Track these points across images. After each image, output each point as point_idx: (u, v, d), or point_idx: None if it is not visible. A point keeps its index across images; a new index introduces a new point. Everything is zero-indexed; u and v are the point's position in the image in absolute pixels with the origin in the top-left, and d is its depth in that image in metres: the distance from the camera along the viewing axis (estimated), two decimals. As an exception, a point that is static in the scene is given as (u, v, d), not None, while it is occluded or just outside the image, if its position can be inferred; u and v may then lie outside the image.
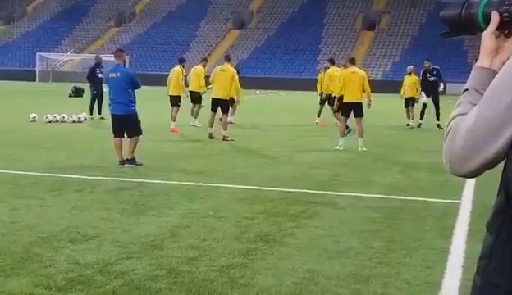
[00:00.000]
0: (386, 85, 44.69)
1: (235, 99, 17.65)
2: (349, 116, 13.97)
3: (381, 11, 68.85)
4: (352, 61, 14.75)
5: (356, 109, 13.91)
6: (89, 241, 5.94)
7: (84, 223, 6.61)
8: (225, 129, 14.84)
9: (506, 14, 1.52)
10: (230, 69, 15.43)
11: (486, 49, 1.54)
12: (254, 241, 6.09)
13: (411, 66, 20.85)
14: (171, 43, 65.46)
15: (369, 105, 14.30)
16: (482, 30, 1.57)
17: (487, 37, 1.55)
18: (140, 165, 10.55)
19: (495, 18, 1.53)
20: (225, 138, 14.60)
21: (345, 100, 14.06)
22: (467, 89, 1.55)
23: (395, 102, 22.09)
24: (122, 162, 10.55)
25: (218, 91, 15.09)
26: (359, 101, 14.00)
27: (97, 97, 20.08)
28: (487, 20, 1.56)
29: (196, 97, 18.17)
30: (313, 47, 62.52)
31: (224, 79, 15.15)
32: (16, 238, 5.97)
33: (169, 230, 6.41)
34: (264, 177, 9.92)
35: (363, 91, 14.01)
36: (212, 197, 8.24)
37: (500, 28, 1.53)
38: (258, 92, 41.61)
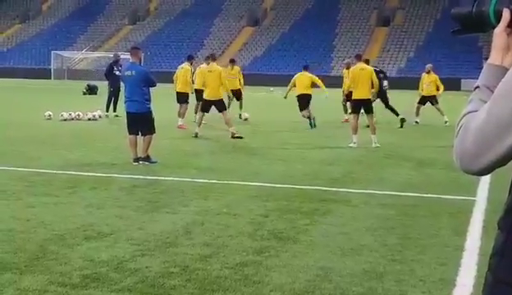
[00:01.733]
0: (401, 82, 44.51)
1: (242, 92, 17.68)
2: (359, 113, 13.97)
3: (396, 7, 68.52)
4: (359, 58, 14.74)
5: (366, 105, 13.94)
6: (103, 238, 5.98)
7: (98, 220, 6.66)
8: (230, 125, 14.73)
9: None
10: (216, 68, 15.28)
11: (498, 46, 1.54)
12: (268, 238, 6.10)
13: (430, 65, 20.71)
14: (185, 41, 65.58)
15: (374, 98, 14.29)
16: (494, 28, 1.56)
17: (499, 34, 1.54)
18: (155, 162, 10.60)
19: (506, 15, 1.53)
20: (233, 135, 14.50)
21: (355, 97, 14.10)
22: (478, 86, 1.54)
23: (410, 99, 21.97)
24: (136, 160, 10.60)
25: (210, 93, 14.98)
26: (369, 97, 14.04)
27: (113, 94, 20.18)
28: (499, 17, 1.55)
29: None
30: (326, 44, 62.37)
31: (213, 79, 15.01)
32: (32, 235, 6.02)
33: (183, 227, 6.43)
34: (277, 174, 9.92)
35: (372, 87, 14.04)
36: (226, 194, 8.26)
37: None
38: (272, 89, 41.53)
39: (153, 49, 62.34)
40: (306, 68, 18.92)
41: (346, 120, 19.21)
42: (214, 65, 15.32)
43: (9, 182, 8.71)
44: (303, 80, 18.17)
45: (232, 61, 21.03)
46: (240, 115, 19.82)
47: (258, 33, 68.13)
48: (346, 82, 19.59)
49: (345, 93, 14.55)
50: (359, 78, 13.94)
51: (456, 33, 1.71)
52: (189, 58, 18.98)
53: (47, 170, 9.78)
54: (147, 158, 10.64)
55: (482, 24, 1.60)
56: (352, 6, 69.37)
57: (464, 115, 1.50)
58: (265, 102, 20.53)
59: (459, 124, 1.50)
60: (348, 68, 19.88)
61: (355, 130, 13.72)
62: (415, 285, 4.86)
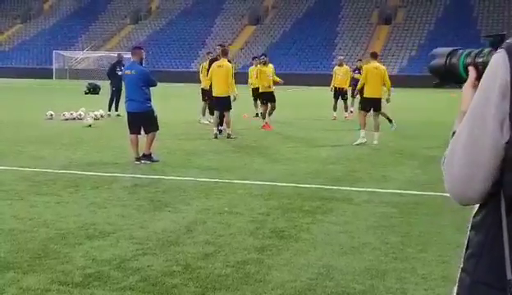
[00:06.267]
0: (403, 80, 44.49)
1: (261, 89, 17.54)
2: (369, 111, 13.95)
3: (397, 6, 68.42)
4: (374, 56, 14.65)
5: (376, 104, 13.94)
6: (105, 237, 5.99)
7: (101, 219, 6.67)
8: (228, 126, 14.45)
9: (481, 66, 1.57)
10: (226, 64, 14.60)
11: (466, 101, 1.58)
12: (270, 237, 6.10)
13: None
14: (187, 40, 65.57)
15: (388, 100, 14.22)
16: (465, 81, 1.63)
17: (467, 89, 1.61)
18: (156, 161, 10.60)
19: (471, 73, 1.60)
20: (229, 136, 14.30)
21: (366, 95, 14.05)
22: (454, 132, 1.57)
23: (413, 97, 21.96)
24: (138, 159, 10.61)
25: (217, 88, 14.50)
26: (379, 97, 14.04)
27: (115, 94, 20.22)
28: (467, 71, 1.62)
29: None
30: (328, 43, 62.31)
31: (222, 75, 14.43)
32: (34, 234, 6.04)
33: (185, 226, 6.44)
34: (279, 173, 9.92)
35: (384, 86, 14.04)
36: (228, 193, 8.27)
37: (479, 79, 1.56)
38: (273, 87, 41.44)
39: (154, 48, 62.34)
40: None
41: (335, 118, 19.31)
42: (225, 61, 14.70)
43: (11, 182, 8.72)
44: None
45: (263, 56, 20.67)
46: (259, 113, 19.95)
47: (260, 31, 68.10)
48: (337, 78, 20.03)
49: (357, 90, 14.63)
50: (372, 76, 13.92)
51: (437, 85, 1.79)
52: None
53: (49, 169, 9.79)
54: (149, 156, 10.65)
55: (455, 77, 1.67)
56: (353, 4, 69.28)
57: (445, 157, 1.54)
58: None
59: (444, 155, 1.54)
60: (340, 65, 20.74)
61: (364, 126, 13.69)
62: (417, 283, 4.86)
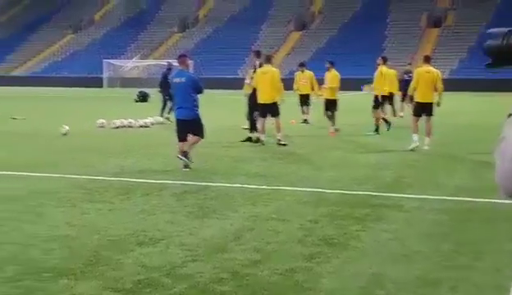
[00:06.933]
0: (453, 83, 43.74)
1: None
2: (420, 116, 13.70)
3: (447, 8, 67.38)
4: (426, 60, 14.37)
5: (427, 109, 13.67)
6: (155, 244, 6.05)
7: (151, 226, 6.75)
8: (278, 131, 14.37)
9: None
10: (271, 70, 14.67)
11: None
12: (318, 244, 6.07)
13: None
14: (234, 47, 65.96)
15: (439, 104, 14.01)
16: None
17: None
18: (191, 162, 10.63)
19: None
20: (279, 142, 14.23)
21: (417, 100, 13.80)
22: (511, 114, 1.52)
23: (463, 100, 21.55)
24: (187, 166, 10.70)
25: (263, 95, 14.41)
26: (431, 101, 13.76)
27: (168, 101, 20.62)
28: None
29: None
30: (376, 47, 61.74)
31: (267, 82, 14.35)
32: (86, 241, 6.15)
33: (233, 233, 6.46)
34: (327, 179, 9.86)
35: (436, 90, 13.77)
36: (275, 199, 8.26)
37: None
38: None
39: (201, 56, 62.92)
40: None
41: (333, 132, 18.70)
42: (269, 67, 14.66)
43: (65, 189, 8.91)
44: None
45: (302, 65, 20.93)
46: (306, 120, 19.98)
47: (306, 37, 68.00)
48: (300, 83, 20.17)
49: (409, 95, 14.50)
50: (423, 80, 13.69)
51: (488, 66, 1.68)
52: (302, 65, 20.62)
53: (100, 177, 9.97)
54: (185, 154, 10.69)
55: (511, 58, 1.58)
56: (402, 7, 68.51)
57: (501, 140, 1.49)
58: (313, 106, 20.44)
59: (496, 151, 1.50)
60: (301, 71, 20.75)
61: (416, 130, 13.48)
62: (470, 292, 4.76)
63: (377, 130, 16.72)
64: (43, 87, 56.31)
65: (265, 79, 14.43)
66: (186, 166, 10.63)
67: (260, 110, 14.69)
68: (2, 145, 14.36)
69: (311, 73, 20.52)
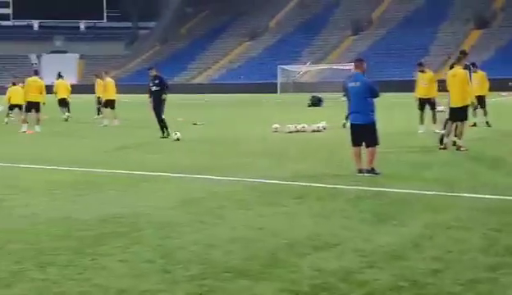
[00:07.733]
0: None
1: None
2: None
3: None
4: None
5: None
6: (330, 249, 6.06)
7: (325, 230, 6.77)
8: (459, 138, 13.70)
9: None
10: (460, 72, 13.74)
11: None
12: (503, 254, 5.71)
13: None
14: (409, 48, 64.39)
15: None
16: None
17: None
18: (379, 174, 10.48)
19: None
20: (459, 148, 13.56)
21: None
22: None
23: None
24: (360, 171, 10.60)
25: (453, 99, 13.71)
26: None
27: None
28: None
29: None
30: None
31: (456, 85, 13.60)
32: (263, 243, 6.31)
33: (411, 241, 6.28)
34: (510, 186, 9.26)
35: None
36: (455, 206, 7.90)
37: None
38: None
39: (375, 58, 62.19)
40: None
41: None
42: (459, 70, 13.81)
43: (242, 192, 9.23)
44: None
45: (420, 65, 18.80)
46: (487, 122, 19.21)
47: (487, 35, 64.56)
48: (420, 87, 18.06)
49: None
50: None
51: None
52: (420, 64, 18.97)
53: (275, 180, 10.19)
54: (371, 170, 10.55)
55: None
56: None
57: None
58: (499, 108, 19.39)
59: None
60: (422, 71, 18.42)
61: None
62: None
63: None
64: (221, 94, 58.99)
65: (454, 83, 13.77)
66: (370, 172, 10.49)
67: (449, 113, 13.98)
68: (184, 150, 15.19)
69: (431, 73, 18.82)
